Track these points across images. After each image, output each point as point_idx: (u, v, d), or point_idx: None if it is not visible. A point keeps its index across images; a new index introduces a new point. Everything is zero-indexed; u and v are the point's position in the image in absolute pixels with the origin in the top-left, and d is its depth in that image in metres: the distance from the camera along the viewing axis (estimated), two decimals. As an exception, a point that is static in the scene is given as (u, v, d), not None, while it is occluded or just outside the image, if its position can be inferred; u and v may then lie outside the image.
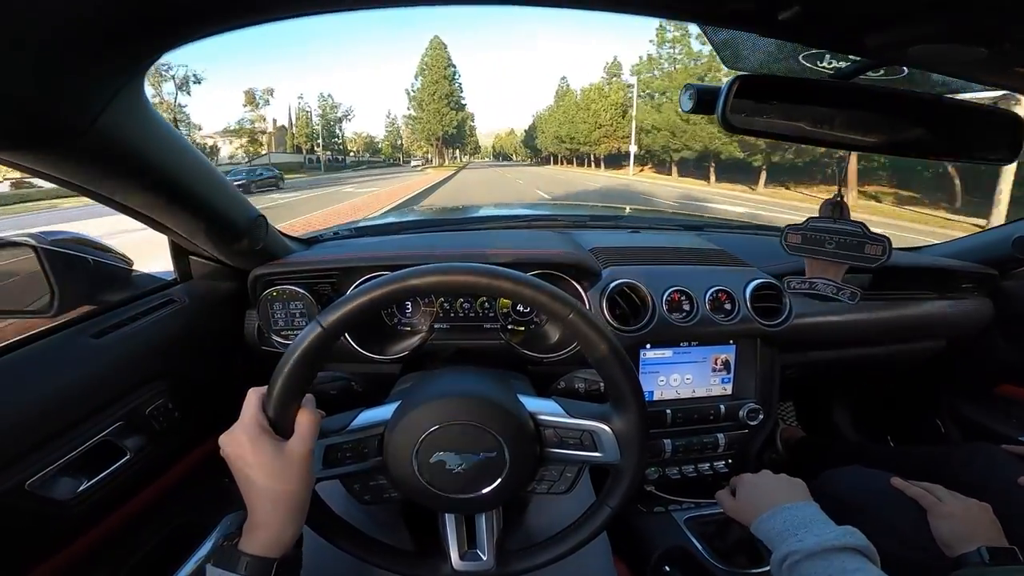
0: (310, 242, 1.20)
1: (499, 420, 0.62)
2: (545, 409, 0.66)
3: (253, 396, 0.58)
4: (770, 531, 0.74)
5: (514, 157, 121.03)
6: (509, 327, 1.09)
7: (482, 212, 1.75)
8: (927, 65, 0.58)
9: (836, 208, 0.80)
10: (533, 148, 76.82)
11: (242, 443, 0.54)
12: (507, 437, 0.62)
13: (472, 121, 77.10)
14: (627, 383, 0.62)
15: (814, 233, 0.80)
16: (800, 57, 0.72)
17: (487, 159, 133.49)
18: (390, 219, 1.57)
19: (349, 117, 62.63)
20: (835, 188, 0.79)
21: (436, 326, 1.06)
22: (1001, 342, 1.38)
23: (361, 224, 1.37)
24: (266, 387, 0.57)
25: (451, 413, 0.62)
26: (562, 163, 57.72)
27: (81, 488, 0.71)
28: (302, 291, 1.01)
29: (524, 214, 1.59)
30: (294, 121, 58.98)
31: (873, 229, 0.78)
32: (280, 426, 0.56)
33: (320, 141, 58.16)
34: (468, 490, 0.63)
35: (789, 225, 0.82)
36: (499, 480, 0.63)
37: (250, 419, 0.55)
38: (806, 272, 0.85)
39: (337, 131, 62.85)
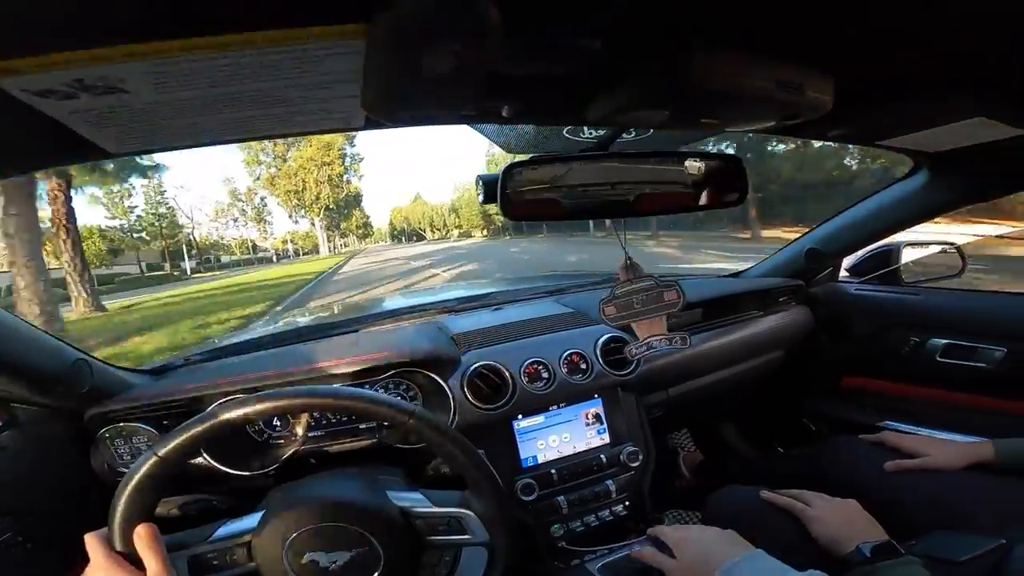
0: (159, 371, 1.16)
1: (363, 517, 0.66)
2: (412, 501, 0.71)
3: (92, 540, 0.58)
4: None
5: (429, 234, 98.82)
6: (385, 425, 1.10)
7: (348, 314, 1.77)
8: (638, 124, 0.70)
9: (630, 269, 0.89)
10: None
11: None
12: (375, 532, 0.66)
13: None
14: (475, 470, 0.68)
15: (623, 299, 0.88)
16: (564, 132, 0.82)
17: (383, 242, 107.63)
18: (246, 336, 1.55)
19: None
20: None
21: (310, 435, 1.06)
22: (827, 342, 1.58)
23: (215, 347, 1.34)
24: (105, 528, 0.59)
25: (315, 516, 0.65)
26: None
27: None
28: (144, 426, 0.98)
29: (396, 307, 1.64)
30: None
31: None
32: (133, 556, 0.58)
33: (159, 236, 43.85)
34: None
35: (602, 299, 0.90)
36: (377, 572, 0.66)
37: (100, 561, 0.57)
38: (637, 335, 0.91)
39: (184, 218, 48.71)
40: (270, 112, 0.45)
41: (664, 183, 0.81)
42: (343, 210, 56.80)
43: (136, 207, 42.89)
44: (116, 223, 42.36)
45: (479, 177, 0.74)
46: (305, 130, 0.51)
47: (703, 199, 0.82)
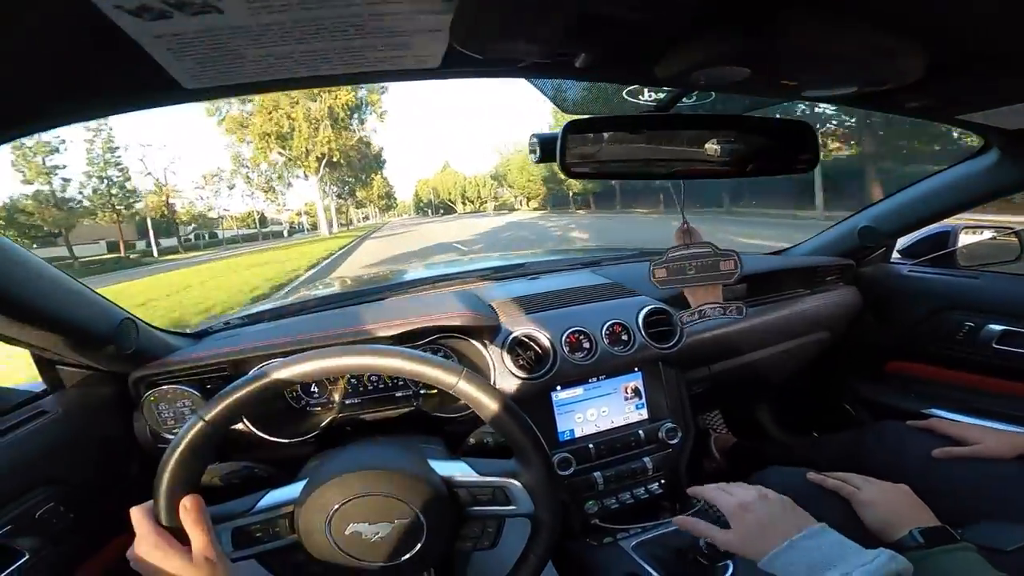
0: (199, 335, 1.17)
1: (407, 487, 0.65)
2: (456, 470, 0.70)
3: (138, 514, 0.58)
4: (793, 567, 0.67)
5: (459, 206, 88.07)
6: (422, 392, 1.10)
7: (386, 281, 1.77)
8: (710, 86, 0.67)
9: (687, 234, 0.87)
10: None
11: (149, 560, 0.55)
12: (418, 502, 0.65)
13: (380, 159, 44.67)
14: (524, 437, 0.65)
15: (675, 263, 0.87)
16: (624, 93, 0.80)
17: (407, 215, 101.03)
18: (286, 301, 1.56)
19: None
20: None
21: (347, 401, 1.07)
22: (874, 324, 1.53)
23: (254, 311, 1.35)
24: (150, 501, 0.58)
25: (358, 486, 0.65)
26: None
27: None
28: (189, 389, 0.99)
29: (428, 276, 1.63)
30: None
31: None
32: (179, 530, 0.57)
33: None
34: (392, 557, 0.65)
35: (652, 261, 0.88)
36: (420, 544, 0.65)
37: (145, 535, 0.56)
38: (689, 302, 0.90)
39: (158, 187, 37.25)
40: (349, 45, 0.42)
41: (726, 146, 0.78)
42: (359, 172, 38.75)
43: (63, 167, 30.18)
44: (35, 189, 29.70)
45: (535, 135, 0.72)
46: (378, 69, 0.49)
47: (769, 165, 0.79)
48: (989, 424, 1.19)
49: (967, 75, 0.69)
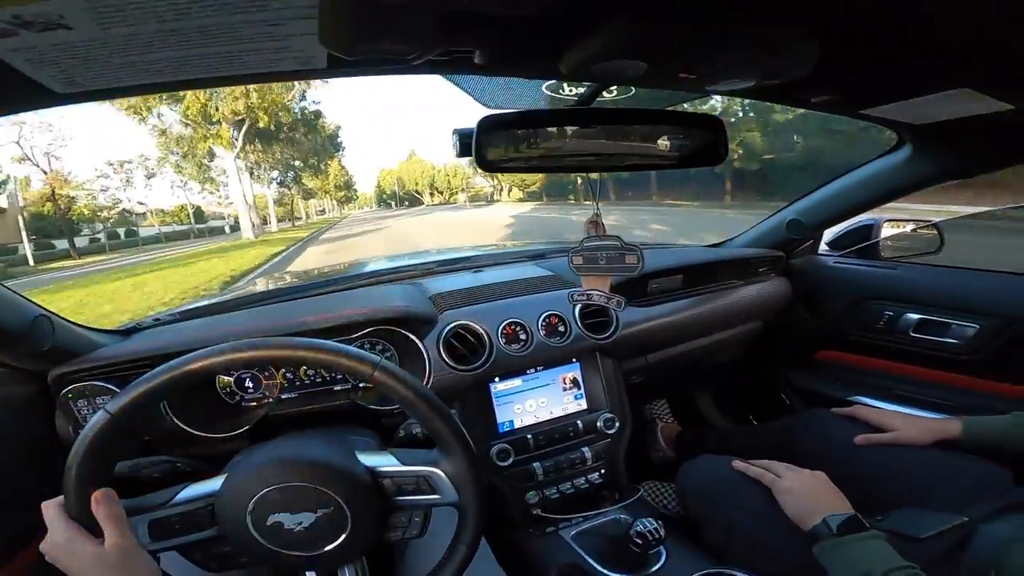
0: (128, 332, 1.14)
1: (328, 478, 0.65)
2: (380, 461, 0.70)
3: (49, 509, 0.58)
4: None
5: (427, 198, 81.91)
6: (360, 385, 1.10)
7: (331, 276, 1.75)
8: (612, 79, 0.69)
9: (596, 226, 0.89)
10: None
11: (62, 553, 0.56)
12: (341, 491, 0.65)
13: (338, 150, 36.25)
14: (444, 426, 0.66)
15: (590, 252, 0.89)
16: (544, 88, 0.81)
17: (368, 208, 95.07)
18: (223, 297, 1.52)
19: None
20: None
21: (283, 396, 1.06)
22: (804, 314, 1.59)
23: (185, 308, 1.32)
24: (61, 496, 0.57)
25: (277, 476, 0.64)
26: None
27: None
28: (109, 385, 0.96)
29: (374, 270, 1.62)
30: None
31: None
32: (91, 523, 0.57)
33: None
34: (316, 547, 0.65)
35: (572, 250, 0.91)
36: (345, 534, 0.65)
37: (58, 530, 0.56)
38: (583, 285, 0.93)
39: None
40: (221, 51, 0.42)
41: (641, 140, 0.80)
42: (308, 155, 29.40)
43: None
44: None
45: (455, 130, 0.73)
46: (259, 71, 0.49)
47: (680, 158, 0.81)
48: (908, 411, 1.25)
49: (868, 69, 0.71)
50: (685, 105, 1.00)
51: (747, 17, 0.51)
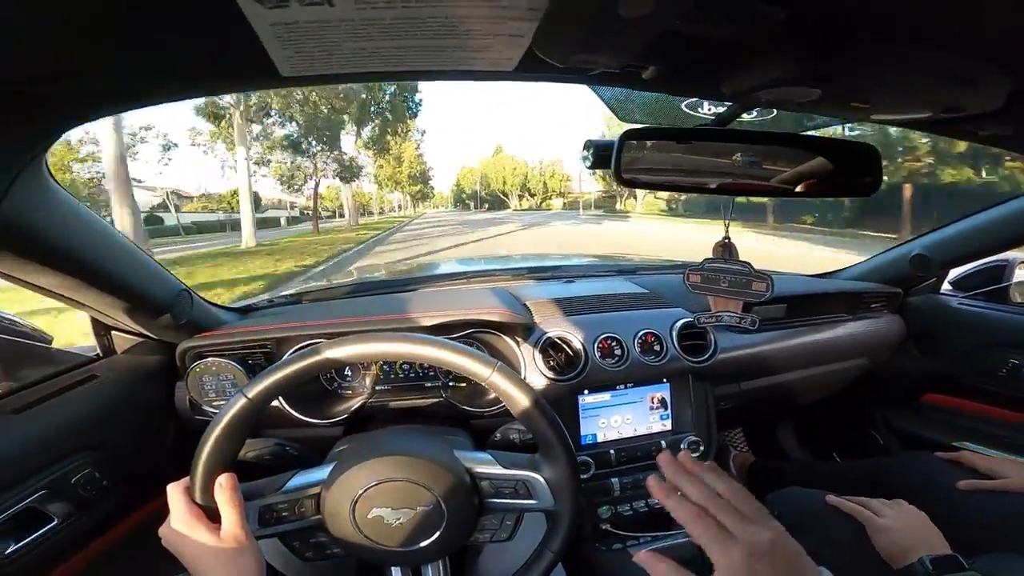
0: (245, 311, 1.20)
1: (433, 475, 0.66)
2: (480, 462, 0.70)
3: (174, 492, 0.59)
4: None
5: (514, 201, 68.12)
6: (450, 384, 1.11)
7: (424, 272, 1.79)
8: (776, 104, 0.66)
9: (726, 249, 0.86)
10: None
11: (181, 539, 0.57)
12: (442, 491, 0.65)
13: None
14: (552, 433, 0.66)
15: (710, 273, 0.85)
16: (683, 106, 0.79)
17: (444, 208, 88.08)
18: (328, 284, 1.59)
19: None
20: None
21: (378, 388, 1.08)
22: (916, 355, 1.48)
23: (297, 291, 1.37)
24: (186, 479, 0.60)
25: (385, 471, 0.65)
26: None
27: (8, 551, 0.71)
28: (233, 363, 1.01)
29: (466, 271, 1.64)
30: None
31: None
32: (212, 511, 0.59)
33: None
34: (409, 543, 0.66)
35: (689, 268, 0.88)
36: (438, 532, 0.66)
37: (180, 514, 0.57)
38: (711, 307, 0.90)
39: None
40: (432, 45, 0.43)
41: (787, 165, 0.76)
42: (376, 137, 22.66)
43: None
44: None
45: (589, 142, 0.72)
46: (455, 68, 0.49)
47: (829, 185, 0.75)
48: (1021, 459, 1.15)
49: None
50: (836, 128, 0.94)
51: (934, 47, 0.47)
